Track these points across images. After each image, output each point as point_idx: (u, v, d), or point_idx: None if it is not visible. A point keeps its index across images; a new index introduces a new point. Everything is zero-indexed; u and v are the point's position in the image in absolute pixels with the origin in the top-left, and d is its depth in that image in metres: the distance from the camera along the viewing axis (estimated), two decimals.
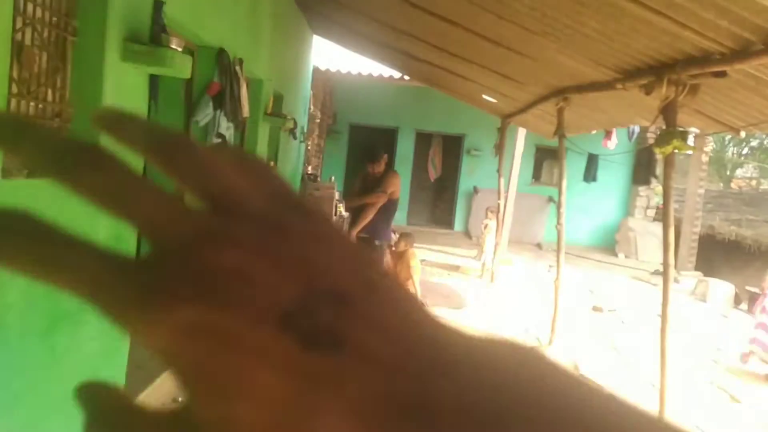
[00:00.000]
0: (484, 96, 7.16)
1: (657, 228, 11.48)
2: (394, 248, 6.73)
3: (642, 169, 11.20)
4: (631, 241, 11.83)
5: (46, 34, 2.17)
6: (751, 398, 4.80)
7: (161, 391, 3.42)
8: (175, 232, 0.18)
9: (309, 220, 0.19)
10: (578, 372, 4.84)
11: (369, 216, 4.76)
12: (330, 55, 10.47)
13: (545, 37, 3.85)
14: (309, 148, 9.83)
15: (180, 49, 2.66)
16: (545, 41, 3.93)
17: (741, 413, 4.47)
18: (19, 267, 0.17)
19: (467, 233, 12.05)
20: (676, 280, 9.24)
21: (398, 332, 0.16)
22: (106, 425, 0.18)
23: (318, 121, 10.45)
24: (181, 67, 2.67)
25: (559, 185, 5.42)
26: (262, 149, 5.60)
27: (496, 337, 0.18)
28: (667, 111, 3.13)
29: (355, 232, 4.81)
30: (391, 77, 10.20)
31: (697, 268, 10.93)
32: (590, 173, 11.19)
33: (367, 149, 4.89)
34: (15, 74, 2.00)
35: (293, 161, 8.04)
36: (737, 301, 8.78)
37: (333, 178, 10.08)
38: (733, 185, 22.74)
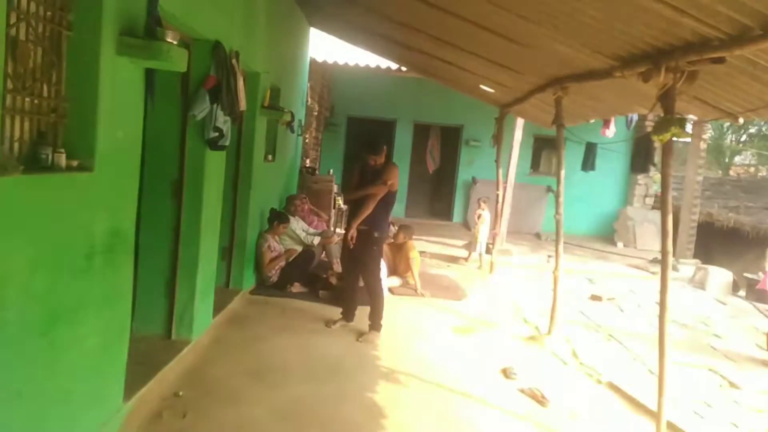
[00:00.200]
0: (482, 86, 7.14)
1: (655, 216, 11.50)
2: (393, 240, 6.74)
3: (640, 158, 11.17)
4: (629, 230, 11.85)
5: (40, 29, 2.15)
6: (751, 384, 4.83)
7: (162, 386, 3.43)
8: None
9: None
10: (578, 360, 4.86)
11: (370, 208, 4.75)
12: (327, 48, 10.43)
13: (542, 25, 3.84)
14: (307, 141, 9.81)
15: (175, 43, 2.64)
16: (542, 29, 3.92)
17: (740, 399, 4.49)
18: None
19: (466, 224, 12.05)
20: (674, 268, 9.27)
21: None
22: None
23: (315, 113, 10.42)
24: (177, 61, 2.65)
25: (557, 175, 5.41)
26: (259, 143, 5.59)
27: None
28: (666, 98, 3.12)
29: (355, 225, 4.80)
30: (388, 69, 10.16)
31: (695, 256, 10.95)
32: (588, 162, 11.18)
33: (368, 141, 4.87)
34: (10, 70, 1.98)
35: (291, 155, 8.03)
36: (735, 288, 8.80)
37: (331, 171, 10.07)
38: (731, 172, 22.76)
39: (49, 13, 2.20)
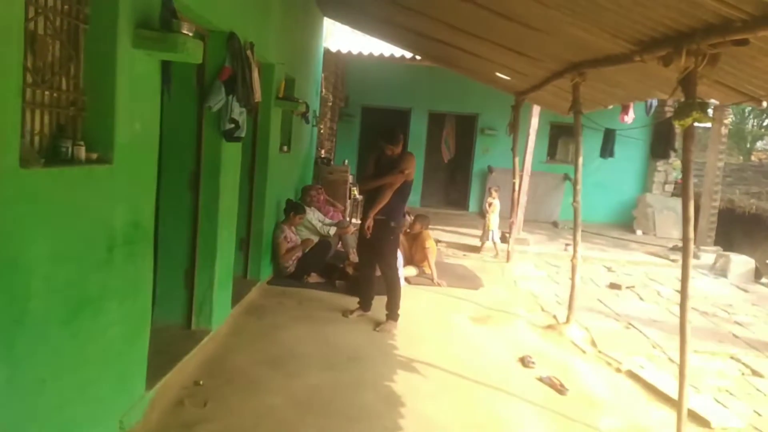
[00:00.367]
0: (498, 74, 7.06)
1: (675, 203, 11.33)
2: (409, 230, 6.73)
3: (660, 144, 11.00)
4: (649, 217, 11.69)
5: (58, 22, 2.17)
6: None
7: (182, 375, 3.48)
8: None
9: None
10: (597, 349, 4.83)
11: (387, 197, 4.75)
12: (340, 37, 10.39)
13: (560, 9, 3.77)
14: (322, 131, 9.81)
15: (191, 34, 2.64)
16: (560, 14, 3.85)
17: (763, 387, 4.42)
18: None
19: (482, 214, 11.97)
20: (695, 255, 9.13)
21: None
22: None
23: (330, 104, 10.40)
24: (193, 52, 2.66)
25: (575, 162, 5.35)
26: (274, 134, 5.60)
27: None
28: (686, 82, 3.05)
29: (372, 214, 4.80)
30: (402, 57, 10.09)
31: (716, 243, 10.77)
32: (607, 149, 11.03)
33: (386, 131, 4.86)
34: (29, 64, 2.00)
35: (306, 145, 8.04)
36: (757, 275, 8.65)
37: (346, 161, 10.06)
38: (753, 158, 22.30)
39: (66, 7, 2.21)
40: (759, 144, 24.35)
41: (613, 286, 7.32)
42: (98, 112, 2.37)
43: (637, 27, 3.39)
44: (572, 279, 5.35)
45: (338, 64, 10.93)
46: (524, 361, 4.36)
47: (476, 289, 6.51)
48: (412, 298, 5.73)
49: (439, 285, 6.43)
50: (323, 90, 9.46)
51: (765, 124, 24.04)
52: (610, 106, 6.24)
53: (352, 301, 5.27)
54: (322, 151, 9.93)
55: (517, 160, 8.38)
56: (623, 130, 10.60)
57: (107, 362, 2.53)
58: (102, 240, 2.38)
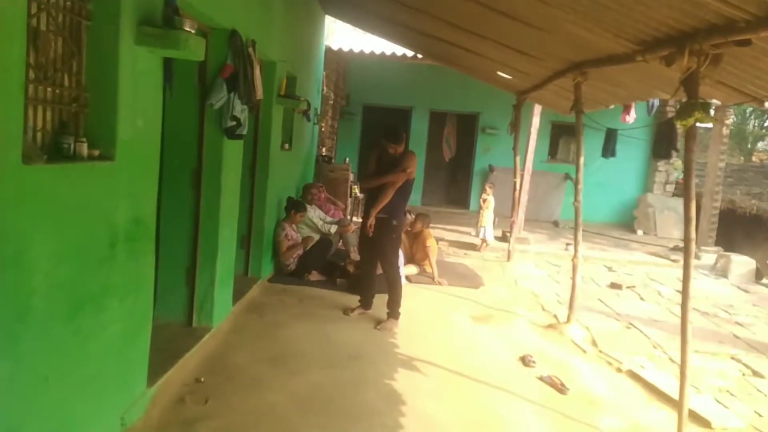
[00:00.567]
0: (499, 73, 7.06)
1: (676, 204, 11.33)
2: (410, 229, 6.73)
3: (662, 144, 10.97)
4: (650, 218, 11.69)
5: (60, 19, 2.17)
6: None
7: (183, 372, 3.48)
8: None
9: None
10: (597, 348, 4.83)
11: (389, 196, 4.74)
12: (342, 35, 10.38)
13: (562, 8, 3.77)
14: (323, 129, 9.80)
15: (193, 32, 2.64)
16: (562, 13, 3.85)
17: (764, 388, 4.42)
18: None
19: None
20: (696, 256, 9.12)
21: None
22: None
23: (331, 102, 10.40)
24: (195, 50, 2.66)
25: (576, 162, 5.35)
26: (276, 132, 5.60)
27: None
28: (689, 82, 3.05)
29: (374, 213, 4.80)
30: (403, 56, 10.09)
31: (717, 243, 10.77)
32: (609, 149, 11.03)
33: (389, 129, 4.84)
34: (32, 60, 2.00)
35: (307, 143, 8.04)
36: (758, 275, 8.65)
37: (347, 159, 10.07)
38: (754, 158, 22.30)
39: (68, 4, 2.21)
40: (760, 145, 24.35)
41: (614, 285, 7.32)
42: (100, 109, 2.37)
43: (640, 27, 3.38)
44: (573, 278, 5.35)
45: (339, 63, 10.93)
46: (525, 361, 4.36)
47: (477, 288, 6.51)
48: (413, 296, 5.74)
49: (439, 284, 6.44)
50: (324, 88, 9.46)
51: (766, 124, 24.03)
52: (612, 106, 6.24)
53: (353, 299, 5.27)
54: (323, 149, 9.93)
55: (518, 159, 8.38)
56: (625, 129, 10.59)
57: (108, 359, 2.53)
58: (104, 237, 2.38)
